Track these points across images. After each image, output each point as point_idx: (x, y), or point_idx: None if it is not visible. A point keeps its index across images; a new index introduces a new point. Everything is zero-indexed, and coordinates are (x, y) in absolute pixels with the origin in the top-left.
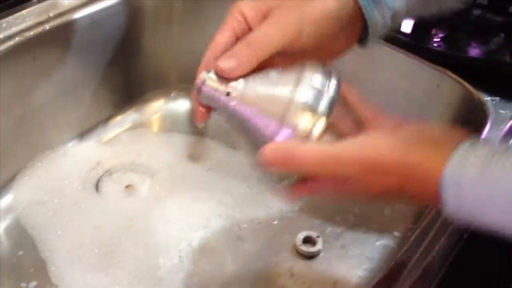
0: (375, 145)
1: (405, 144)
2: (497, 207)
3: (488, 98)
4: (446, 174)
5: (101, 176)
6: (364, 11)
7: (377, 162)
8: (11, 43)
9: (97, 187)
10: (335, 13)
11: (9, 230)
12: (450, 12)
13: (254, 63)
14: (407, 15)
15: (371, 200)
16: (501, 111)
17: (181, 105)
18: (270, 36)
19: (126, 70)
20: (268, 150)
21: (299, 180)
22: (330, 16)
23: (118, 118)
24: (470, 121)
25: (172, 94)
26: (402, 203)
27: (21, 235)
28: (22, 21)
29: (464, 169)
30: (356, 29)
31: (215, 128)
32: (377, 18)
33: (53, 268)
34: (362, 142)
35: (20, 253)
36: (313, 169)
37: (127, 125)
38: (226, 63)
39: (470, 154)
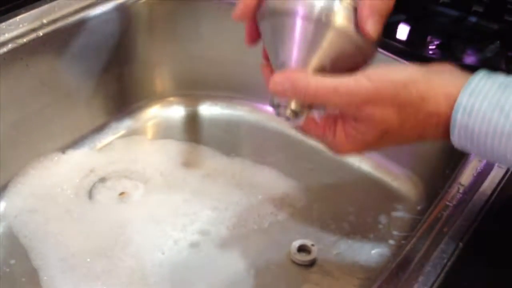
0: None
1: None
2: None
3: None
4: (458, 104)
5: (94, 184)
6: None
7: (370, 96)
8: (4, 49)
9: (90, 194)
10: None
11: (1, 239)
12: None
13: None
14: None
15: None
16: None
17: (176, 112)
18: None
19: (120, 77)
20: (276, 77)
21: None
22: None
23: (112, 125)
24: None
25: (166, 101)
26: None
27: (13, 244)
28: (15, 28)
29: (477, 100)
30: None
31: (210, 135)
32: None
33: (45, 278)
34: (358, 76)
35: (12, 261)
36: (318, 100)
37: (121, 132)
38: None
39: (485, 83)
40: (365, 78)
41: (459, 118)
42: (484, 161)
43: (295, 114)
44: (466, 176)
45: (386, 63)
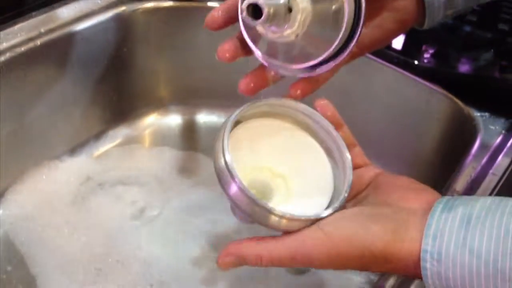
0: (333, 238)
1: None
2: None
3: (478, 114)
4: (424, 252)
5: (91, 191)
6: None
7: (332, 259)
8: (1, 59)
9: (87, 202)
10: None
11: None
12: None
13: None
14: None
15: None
16: (491, 127)
17: (173, 120)
18: None
19: (118, 85)
20: (221, 258)
21: None
22: None
23: (110, 133)
24: (460, 136)
25: (163, 109)
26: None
27: (10, 251)
28: (13, 37)
29: (443, 243)
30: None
31: (207, 143)
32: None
33: (42, 285)
34: (319, 239)
35: (9, 268)
36: (271, 266)
37: (118, 140)
38: None
39: (445, 220)
40: (327, 242)
41: (428, 266)
42: (478, 169)
43: None
44: (461, 183)
45: (382, 72)
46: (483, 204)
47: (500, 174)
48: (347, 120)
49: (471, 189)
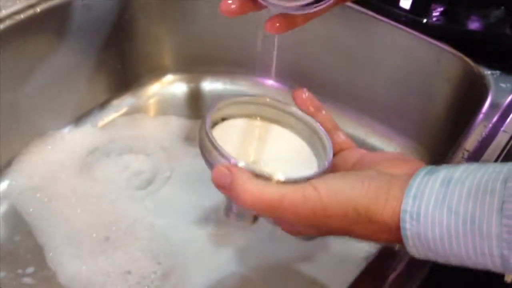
0: (318, 193)
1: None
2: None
3: (489, 72)
4: (404, 212)
5: (97, 161)
6: None
7: (317, 213)
8: (1, 26)
9: (93, 171)
10: None
11: (5, 216)
12: None
13: None
14: None
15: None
16: (502, 85)
17: (178, 88)
18: None
19: (121, 54)
20: (217, 168)
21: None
22: None
23: (114, 102)
24: (471, 95)
25: (168, 78)
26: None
27: (17, 221)
28: (13, 4)
29: (422, 203)
30: None
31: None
32: None
33: (50, 254)
34: (307, 189)
35: (17, 238)
36: (252, 208)
37: (123, 110)
38: None
39: (426, 181)
40: (314, 194)
41: (408, 227)
42: (489, 127)
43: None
44: (471, 142)
45: (390, 32)
46: (466, 167)
47: (511, 131)
48: (354, 83)
49: (481, 148)
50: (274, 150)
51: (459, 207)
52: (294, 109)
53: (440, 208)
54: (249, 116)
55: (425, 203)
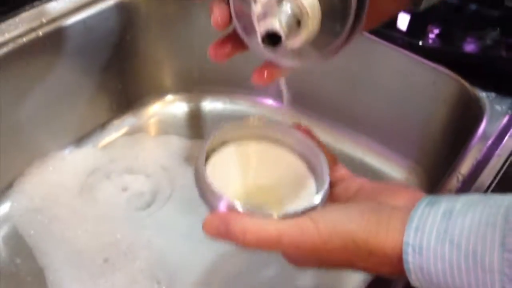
0: (318, 227)
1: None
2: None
3: (484, 94)
4: (406, 244)
5: (98, 182)
6: None
7: (317, 247)
8: (4, 50)
9: (94, 192)
10: None
11: (6, 238)
12: None
13: None
14: None
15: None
16: (497, 107)
17: (178, 108)
18: None
19: (122, 74)
20: (208, 220)
21: None
22: None
23: (115, 122)
24: (466, 117)
25: (168, 98)
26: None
27: (18, 243)
28: (15, 28)
29: (424, 235)
30: None
31: (212, 130)
32: None
33: (51, 277)
34: (305, 224)
35: (18, 261)
36: (253, 246)
37: (124, 130)
38: None
39: (428, 214)
40: (313, 228)
41: (410, 259)
42: (484, 151)
43: None
44: (466, 166)
45: (387, 54)
46: (467, 199)
47: (506, 154)
48: (352, 104)
49: (476, 171)
50: (272, 174)
51: (461, 241)
52: (291, 128)
53: (442, 242)
54: (247, 138)
55: (426, 236)
